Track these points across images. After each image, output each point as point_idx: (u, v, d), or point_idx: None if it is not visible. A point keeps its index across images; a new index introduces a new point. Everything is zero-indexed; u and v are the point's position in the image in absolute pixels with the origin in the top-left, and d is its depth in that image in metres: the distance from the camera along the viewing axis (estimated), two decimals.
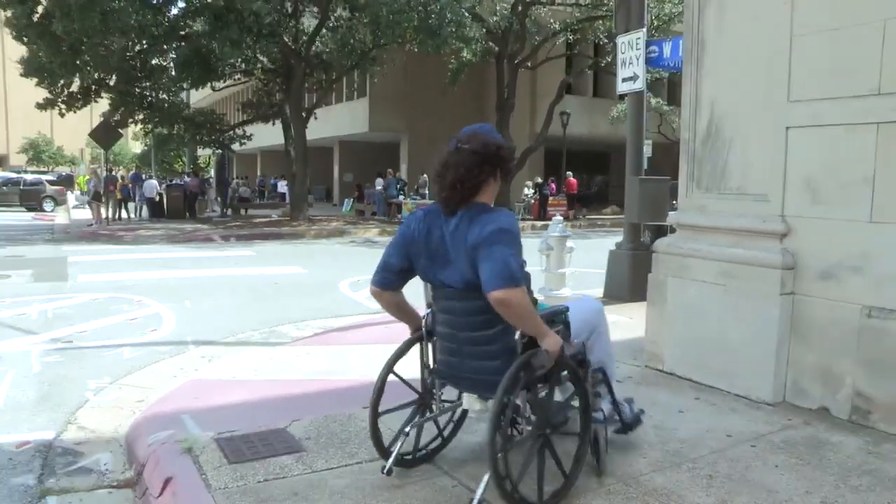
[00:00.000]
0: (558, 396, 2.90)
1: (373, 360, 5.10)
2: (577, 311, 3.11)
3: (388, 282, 2.98)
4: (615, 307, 7.33)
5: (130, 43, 19.82)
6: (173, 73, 22.35)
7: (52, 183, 33.30)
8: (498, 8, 23.10)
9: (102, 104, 23.81)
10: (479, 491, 2.68)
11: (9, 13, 18.70)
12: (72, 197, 34.30)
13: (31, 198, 30.06)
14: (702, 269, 4.54)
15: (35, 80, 20.60)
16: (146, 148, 44.69)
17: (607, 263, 8.26)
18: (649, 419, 3.84)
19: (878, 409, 3.69)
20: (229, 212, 26.69)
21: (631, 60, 7.88)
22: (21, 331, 6.79)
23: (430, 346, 3.10)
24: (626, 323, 6.41)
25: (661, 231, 7.98)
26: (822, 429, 3.72)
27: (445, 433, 3.35)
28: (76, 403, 4.67)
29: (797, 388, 4.08)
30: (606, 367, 3.28)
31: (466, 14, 19.36)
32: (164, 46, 20.83)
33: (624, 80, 8.07)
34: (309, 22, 22.73)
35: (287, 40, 21.12)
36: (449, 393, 3.18)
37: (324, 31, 21.53)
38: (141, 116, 23.23)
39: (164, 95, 23.25)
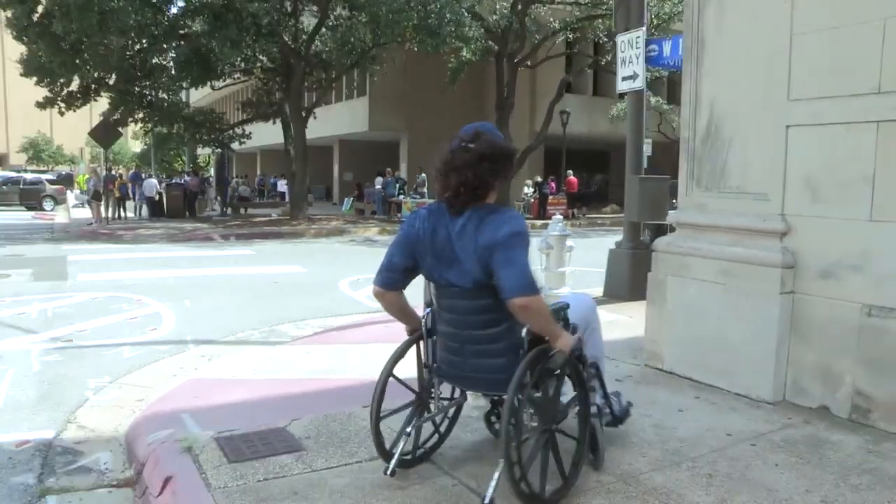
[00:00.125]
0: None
1: (372, 358, 5.10)
2: (573, 307, 3.14)
3: (392, 281, 2.96)
4: (615, 306, 7.34)
5: (130, 42, 19.81)
6: (173, 72, 22.34)
7: (51, 182, 33.31)
8: (497, 7, 23.09)
9: (102, 103, 23.81)
10: (490, 490, 2.68)
11: (9, 13, 18.69)
12: (71, 196, 34.29)
13: (30, 197, 30.05)
14: (702, 267, 4.54)
15: (35, 79, 20.59)
16: (146, 147, 44.67)
17: (607, 262, 8.26)
18: (649, 418, 3.85)
19: (878, 407, 3.69)
20: (229, 211, 26.69)
21: (631, 59, 7.88)
22: (21, 330, 6.78)
23: (429, 345, 3.10)
24: (625, 322, 6.41)
25: (660, 230, 7.97)
26: (822, 427, 3.72)
27: (442, 429, 3.36)
28: (76, 402, 4.67)
29: (797, 386, 4.08)
30: (599, 362, 3.32)
31: (466, 13, 19.34)
32: (164, 46, 20.83)
33: (624, 78, 8.07)
34: (308, 21, 22.72)
35: (287, 39, 21.11)
36: (445, 390, 3.19)
37: (323, 30, 21.52)
38: (140, 115, 23.23)
39: (164, 94, 23.25)
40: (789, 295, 4.07)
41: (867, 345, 3.72)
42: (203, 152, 38.26)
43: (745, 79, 4.35)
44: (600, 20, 23.17)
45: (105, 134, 20.74)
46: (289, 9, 20.85)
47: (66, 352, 5.98)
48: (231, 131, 25.68)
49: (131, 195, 26.25)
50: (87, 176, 32.75)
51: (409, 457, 3.14)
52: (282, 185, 32.82)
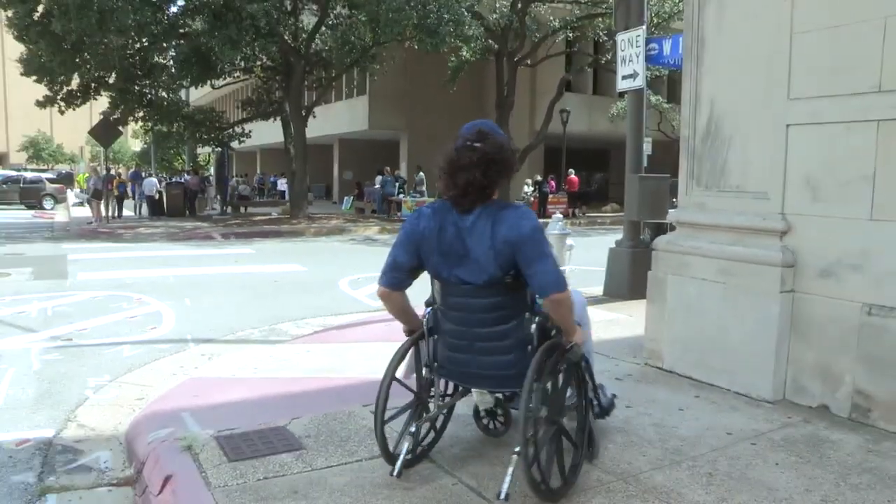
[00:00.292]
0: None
1: (372, 357, 5.11)
2: None
3: (398, 281, 2.96)
4: (615, 305, 7.35)
5: (130, 41, 19.80)
6: (173, 71, 22.32)
7: (51, 181, 33.32)
8: (497, 6, 23.07)
9: (102, 102, 23.81)
10: (505, 486, 2.71)
11: (10, 13, 18.67)
12: (71, 195, 34.29)
13: (30, 196, 30.05)
14: (702, 266, 4.54)
15: (34, 77, 20.58)
16: (146, 146, 44.67)
17: (607, 261, 8.26)
18: (649, 417, 3.85)
19: (878, 406, 3.69)
20: (229, 210, 26.67)
21: (631, 58, 7.87)
22: (21, 329, 6.78)
23: (429, 344, 3.10)
24: (625, 321, 6.41)
25: (660, 229, 7.96)
26: (822, 427, 3.72)
27: (438, 425, 3.37)
28: (76, 401, 4.67)
29: (797, 385, 4.08)
30: (589, 356, 3.36)
31: (466, 13, 19.32)
32: (164, 45, 20.81)
33: (624, 77, 8.06)
34: (308, 20, 22.70)
35: (287, 38, 21.10)
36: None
37: (323, 28, 21.51)
38: (141, 114, 23.21)
39: (164, 93, 23.23)
40: (789, 294, 4.07)
41: (867, 344, 3.72)
42: (203, 151, 38.25)
43: (745, 77, 4.35)
44: (600, 19, 23.17)
45: (105, 133, 20.72)
46: (289, 7, 20.83)
47: (65, 350, 5.98)
48: (231, 130, 25.65)
49: (130, 194, 26.25)
50: (87, 175, 32.75)
51: (409, 456, 3.13)
52: (282, 184, 32.79)
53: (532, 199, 25.55)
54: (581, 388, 3.06)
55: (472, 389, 3.09)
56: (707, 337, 4.48)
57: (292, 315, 7.41)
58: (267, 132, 30.40)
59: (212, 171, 35.03)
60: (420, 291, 3.12)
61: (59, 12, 16.44)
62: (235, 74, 24.78)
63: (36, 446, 3.92)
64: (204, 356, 5.67)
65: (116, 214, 22.83)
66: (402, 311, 3.09)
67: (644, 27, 7.87)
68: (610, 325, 6.23)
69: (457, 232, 2.79)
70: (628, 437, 3.54)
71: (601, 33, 24.18)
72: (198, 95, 37.71)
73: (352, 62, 22.38)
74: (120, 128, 22.96)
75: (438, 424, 3.37)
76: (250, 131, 26.18)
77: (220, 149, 27.19)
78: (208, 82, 23.44)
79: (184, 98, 27.28)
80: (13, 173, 34.85)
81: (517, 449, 2.68)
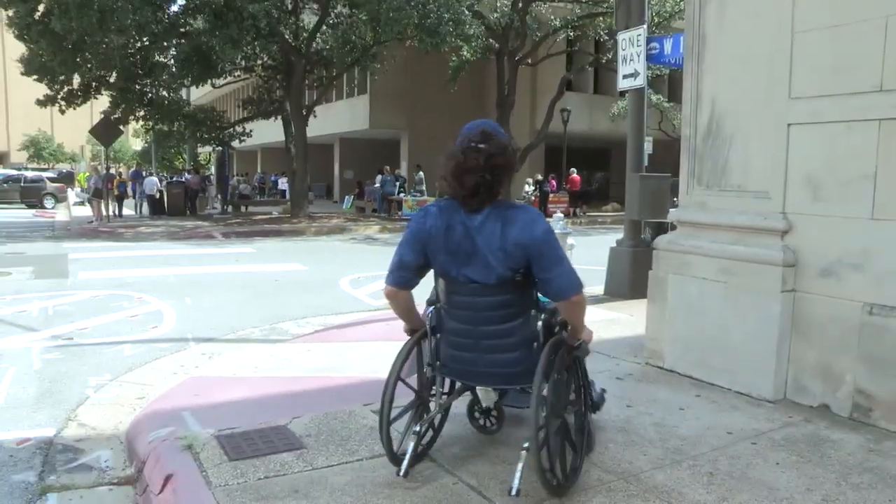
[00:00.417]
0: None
1: (373, 357, 5.12)
2: None
3: (405, 280, 2.97)
4: (616, 304, 7.34)
5: (131, 40, 19.79)
6: (174, 70, 22.32)
7: (52, 180, 33.29)
8: (498, 5, 23.07)
9: (103, 101, 23.80)
10: (516, 481, 2.75)
11: (10, 12, 18.67)
12: (72, 194, 34.29)
13: (31, 195, 30.03)
14: (702, 266, 4.54)
15: (35, 77, 20.57)
16: (146, 145, 44.69)
17: (608, 260, 8.25)
18: (650, 416, 3.85)
19: (879, 406, 3.69)
20: (230, 209, 26.67)
21: (632, 57, 7.87)
22: (22, 328, 6.79)
23: (432, 343, 3.10)
24: (626, 320, 6.41)
25: (661, 228, 7.96)
26: (823, 426, 3.72)
27: (435, 424, 3.37)
28: (77, 400, 4.67)
29: (798, 385, 4.08)
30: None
31: (466, 12, 19.31)
32: (165, 44, 20.80)
33: (625, 76, 8.06)
34: (309, 18, 22.69)
35: (287, 37, 21.09)
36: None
37: (324, 27, 21.50)
38: (141, 113, 23.20)
39: (165, 92, 23.22)
40: (790, 293, 4.07)
41: (868, 343, 3.71)
42: (204, 150, 38.24)
43: (746, 76, 4.35)
44: (601, 18, 23.15)
45: (106, 132, 20.71)
46: (289, 6, 20.82)
47: (66, 350, 5.98)
48: (232, 129, 25.65)
49: (131, 193, 26.24)
50: (87, 174, 32.76)
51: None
52: (282, 183, 32.79)
53: (533, 198, 25.55)
54: (581, 387, 3.08)
55: (477, 387, 3.10)
56: (708, 336, 4.48)
57: (293, 314, 7.41)
58: (268, 131, 30.39)
59: (212, 170, 35.05)
60: (421, 290, 3.11)
61: (59, 11, 16.44)
62: (236, 73, 24.78)
63: (37, 445, 3.92)
64: (205, 355, 5.67)
65: (116, 213, 22.84)
66: (407, 310, 3.10)
67: (645, 26, 7.87)
68: (611, 324, 6.23)
69: (465, 231, 2.81)
70: (629, 437, 3.53)
71: (602, 32, 24.17)
72: (198, 94, 37.70)
73: (352, 61, 22.37)
74: (121, 127, 22.93)
75: (436, 423, 3.38)
76: (251, 130, 26.18)
77: (220, 148, 27.20)
78: (209, 81, 23.43)
79: (184, 97, 27.26)
80: (14, 172, 34.84)
81: (525, 445, 2.73)
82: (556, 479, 2.77)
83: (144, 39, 19.89)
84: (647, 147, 10.12)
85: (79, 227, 19.59)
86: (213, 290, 9.06)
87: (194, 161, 34.58)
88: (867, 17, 3.66)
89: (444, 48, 19.63)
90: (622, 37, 8.05)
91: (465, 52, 22.69)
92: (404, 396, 3.14)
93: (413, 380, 3.18)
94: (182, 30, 20.44)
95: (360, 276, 10.35)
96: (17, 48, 22.99)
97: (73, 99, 21.64)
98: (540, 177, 26.54)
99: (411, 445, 3.03)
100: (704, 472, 3.12)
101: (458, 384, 3.27)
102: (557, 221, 7.49)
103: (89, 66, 19.90)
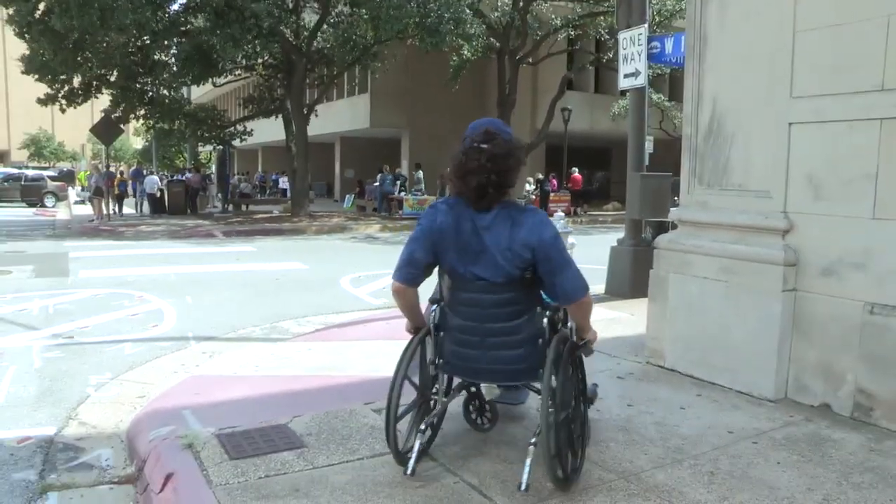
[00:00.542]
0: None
1: (374, 355, 5.12)
2: None
3: (413, 277, 2.98)
4: (616, 303, 7.34)
5: (132, 39, 19.78)
6: (175, 68, 22.31)
7: (53, 179, 33.28)
8: (499, 4, 23.06)
9: (103, 100, 23.80)
10: (525, 477, 2.80)
11: (10, 10, 18.66)
12: (73, 193, 34.30)
13: (32, 193, 30.04)
14: (703, 265, 4.53)
15: (36, 76, 20.57)
16: (147, 144, 44.66)
17: (608, 260, 8.25)
18: (650, 415, 3.85)
19: (880, 405, 3.68)
20: (230, 207, 26.66)
21: (633, 56, 7.86)
22: (22, 326, 6.79)
23: (436, 341, 3.11)
24: (627, 319, 6.41)
25: (662, 227, 7.95)
26: (824, 425, 3.71)
27: (434, 421, 3.36)
28: (77, 399, 4.67)
29: (799, 384, 4.07)
30: None
31: (467, 11, 19.30)
32: (165, 42, 20.79)
33: (625, 76, 8.05)
34: (310, 17, 22.68)
35: (288, 36, 21.08)
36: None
37: (325, 26, 21.49)
38: (142, 112, 23.19)
39: (166, 91, 23.21)
40: (791, 292, 4.07)
41: (869, 342, 3.71)
42: (204, 149, 38.25)
43: (747, 75, 4.34)
44: (602, 17, 23.15)
45: (106, 130, 20.72)
46: (290, 5, 20.82)
47: (67, 348, 5.98)
48: (232, 128, 25.65)
49: (131, 192, 26.24)
50: (88, 172, 32.76)
51: (409, 454, 3.13)
52: (283, 182, 32.78)
53: (533, 196, 25.53)
54: (580, 381, 3.11)
55: (481, 384, 3.12)
56: (709, 335, 4.47)
57: (294, 313, 7.41)
58: (268, 130, 30.37)
59: (213, 168, 35.02)
60: (422, 289, 3.11)
61: (59, 10, 16.43)
62: (237, 72, 24.78)
63: (37, 444, 3.92)
64: (205, 354, 5.67)
65: (117, 212, 22.84)
66: (412, 307, 3.11)
67: (646, 25, 7.86)
68: (611, 323, 6.22)
69: (474, 229, 2.84)
70: (630, 436, 3.53)
71: (603, 31, 24.17)
72: (199, 93, 37.70)
73: (353, 60, 22.37)
74: (121, 126, 22.94)
75: (435, 422, 3.38)
76: (252, 129, 26.18)
77: (221, 147, 27.20)
78: (210, 80, 23.43)
79: (185, 96, 27.24)
80: (15, 171, 34.87)
81: (533, 440, 2.80)
82: (562, 470, 2.80)
83: (145, 38, 19.87)
84: (648, 146, 10.12)
85: (79, 225, 19.60)
86: (213, 289, 9.06)
87: (195, 160, 34.56)
88: (869, 16, 3.65)
89: (444, 47, 19.61)
90: (623, 36, 8.04)
91: (465, 51, 22.67)
92: (404, 395, 3.14)
93: (415, 379, 3.19)
94: (182, 28, 20.43)
95: (361, 274, 10.35)
96: (18, 47, 22.97)
97: (74, 98, 21.62)
98: (541, 176, 26.51)
99: (418, 444, 3.04)
100: (705, 472, 3.12)
101: (454, 383, 3.28)
102: (558, 220, 7.49)
103: (90, 64, 19.89)
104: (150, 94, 22.81)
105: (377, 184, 25.44)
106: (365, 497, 2.87)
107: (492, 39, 23.58)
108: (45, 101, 21.60)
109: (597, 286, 8.16)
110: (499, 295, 2.87)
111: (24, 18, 18.16)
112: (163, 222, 20.33)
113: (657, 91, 26.19)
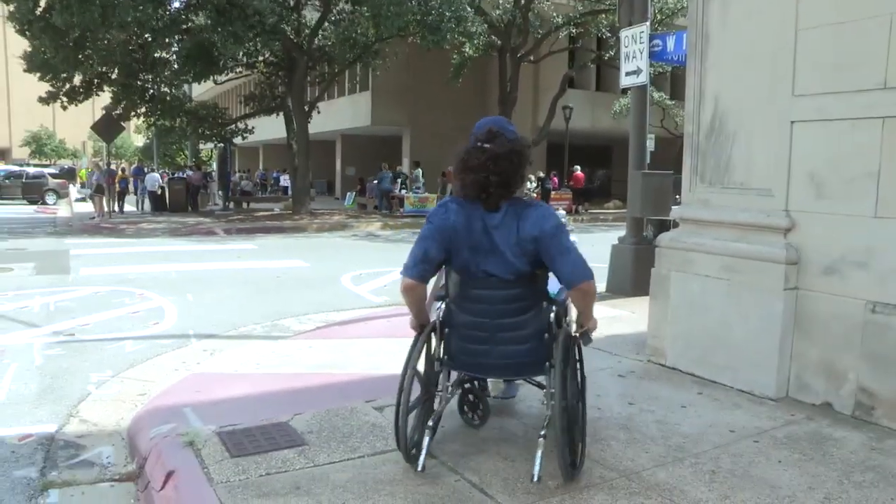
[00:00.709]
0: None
1: (375, 353, 5.12)
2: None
3: (425, 273, 3.00)
4: (618, 301, 7.34)
5: (133, 37, 19.77)
6: (176, 66, 22.30)
7: (54, 176, 33.29)
8: (500, 1, 23.03)
9: (104, 97, 23.77)
10: (536, 469, 2.88)
11: (11, 7, 18.66)
12: (74, 190, 34.31)
13: (33, 191, 30.04)
14: (705, 263, 4.53)
15: (37, 74, 20.57)
16: (148, 141, 44.67)
17: (610, 258, 8.24)
18: (652, 414, 3.85)
19: (881, 404, 3.68)
20: (231, 205, 26.66)
21: (634, 54, 7.85)
22: (23, 324, 6.79)
23: (443, 338, 3.14)
24: (628, 317, 6.40)
25: (663, 225, 7.94)
26: (826, 424, 3.71)
27: (438, 417, 3.37)
28: (78, 396, 4.67)
29: (800, 383, 4.07)
30: None
31: (468, 8, 19.28)
32: (166, 40, 20.77)
33: (627, 74, 8.04)
34: (311, 15, 22.67)
35: (289, 33, 21.07)
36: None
37: (326, 24, 21.48)
38: (143, 109, 23.18)
39: (167, 88, 23.21)
40: (793, 291, 4.06)
41: (871, 341, 3.71)
42: (205, 147, 38.24)
43: (749, 74, 4.33)
44: (603, 15, 23.09)
45: (107, 128, 20.73)
46: (292, 3, 20.81)
47: (68, 346, 5.98)
48: (233, 125, 25.63)
49: (132, 190, 26.23)
50: (89, 170, 32.76)
51: (412, 451, 3.14)
52: (284, 180, 32.80)
53: (534, 194, 25.51)
54: (579, 371, 3.16)
55: (488, 379, 3.14)
56: (710, 334, 4.47)
57: (294, 311, 7.42)
58: (269, 128, 30.36)
59: (214, 166, 35.01)
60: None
61: (60, 7, 16.42)
62: (238, 70, 24.76)
63: (38, 441, 3.92)
64: (206, 352, 5.67)
65: (118, 209, 22.85)
66: (420, 304, 3.11)
67: (648, 23, 7.85)
68: (612, 321, 6.22)
69: (484, 227, 2.88)
70: (631, 434, 3.53)
71: (604, 29, 24.11)
72: (200, 91, 37.71)
73: (354, 57, 22.36)
74: (122, 123, 22.95)
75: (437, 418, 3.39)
76: (253, 127, 26.17)
77: (222, 144, 27.17)
78: (211, 77, 23.42)
79: (186, 93, 27.25)
80: (16, 168, 34.86)
81: (542, 433, 2.87)
82: (574, 462, 2.90)
83: (146, 35, 19.86)
84: (650, 144, 10.09)
85: (80, 223, 19.61)
86: (214, 287, 9.06)
87: (196, 157, 34.63)
88: (872, 14, 3.64)
89: (446, 45, 19.60)
90: (625, 34, 8.03)
91: (467, 49, 22.66)
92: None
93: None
94: (184, 26, 20.42)
95: (362, 272, 10.35)
96: (19, 44, 22.94)
97: (75, 95, 21.62)
98: (542, 174, 26.49)
99: (426, 440, 3.07)
100: (706, 470, 3.11)
101: (453, 379, 3.29)
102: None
103: (91, 62, 19.88)
104: (152, 91, 22.80)
105: (376, 182, 25.43)
106: (366, 495, 2.87)
107: (493, 37, 23.55)
108: (46, 99, 21.60)
109: (598, 284, 8.14)
110: (508, 291, 2.92)
111: (24, 15, 18.15)
112: (164, 220, 20.33)
113: (659, 89, 26.15)
